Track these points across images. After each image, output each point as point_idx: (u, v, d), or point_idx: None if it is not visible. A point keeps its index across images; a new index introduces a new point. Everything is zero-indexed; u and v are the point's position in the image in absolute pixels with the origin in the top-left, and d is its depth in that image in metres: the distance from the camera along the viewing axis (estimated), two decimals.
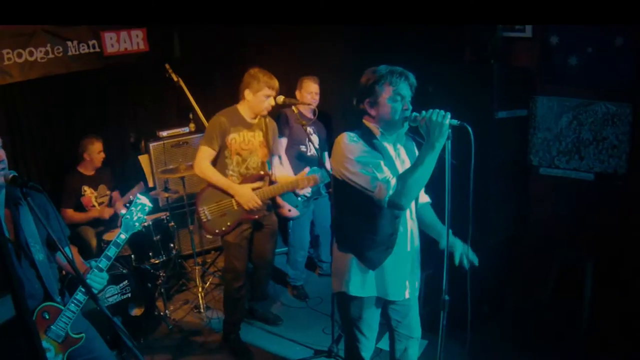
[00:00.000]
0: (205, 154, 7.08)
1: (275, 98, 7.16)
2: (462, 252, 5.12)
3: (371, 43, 7.76)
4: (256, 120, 7.26)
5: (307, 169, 7.28)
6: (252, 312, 8.50)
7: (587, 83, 7.39)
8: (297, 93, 8.66)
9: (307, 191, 7.80)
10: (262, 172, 7.34)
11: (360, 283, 5.23)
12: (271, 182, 7.44)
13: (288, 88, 7.91)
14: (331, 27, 8.83)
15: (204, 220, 7.22)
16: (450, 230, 4.96)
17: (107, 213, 8.78)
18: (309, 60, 9.68)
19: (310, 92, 8.55)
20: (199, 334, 8.29)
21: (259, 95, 7.02)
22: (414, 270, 5.43)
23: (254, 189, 7.08)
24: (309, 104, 8.08)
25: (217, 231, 7.24)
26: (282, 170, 7.77)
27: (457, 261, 5.06)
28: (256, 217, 7.28)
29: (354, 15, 7.24)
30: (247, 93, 7.06)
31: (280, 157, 8.00)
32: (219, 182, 7.07)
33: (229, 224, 7.19)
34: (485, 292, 7.92)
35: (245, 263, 7.56)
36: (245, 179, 7.20)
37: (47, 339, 4.71)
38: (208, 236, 7.29)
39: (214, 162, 7.19)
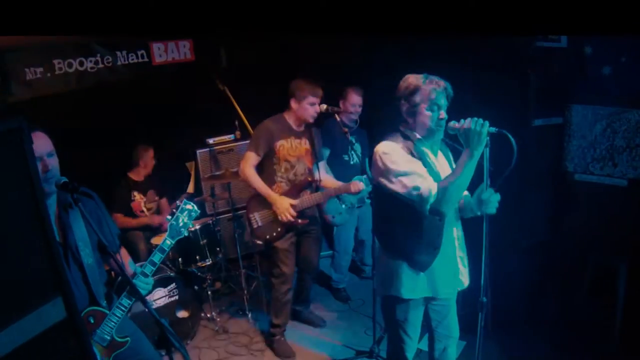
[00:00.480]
0: (250, 159, 7.17)
1: (319, 106, 7.22)
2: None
3: (411, 52, 7.78)
4: (302, 128, 7.33)
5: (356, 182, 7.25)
6: (296, 314, 8.53)
7: (621, 92, 7.36)
8: (341, 102, 8.68)
9: (352, 199, 7.93)
10: (309, 179, 7.40)
11: (412, 286, 5.29)
12: (317, 189, 7.50)
13: (331, 97, 7.96)
14: (378, 41, 8.99)
15: (255, 226, 7.32)
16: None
17: (157, 220, 8.89)
18: (352, 69, 9.66)
19: (353, 103, 8.61)
20: (243, 335, 8.36)
21: (303, 104, 7.10)
22: (461, 266, 5.50)
23: (292, 204, 7.15)
24: (350, 113, 8.14)
25: (267, 237, 7.33)
26: (328, 177, 7.78)
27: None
28: (302, 223, 7.35)
29: (396, 26, 7.29)
30: (293, 102, 7.15)
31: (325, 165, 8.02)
32: (260, 188, 7.17)
33: (279, 229, 7.29)
34: (522, 294, 8.00)
35: (293, 268, 7.66)
36: (293, 185, 7.31)
37: (92, 343, 4.75)
38: (258, 242, 7.30)
39: (263, 169, 7.29)
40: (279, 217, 7.15)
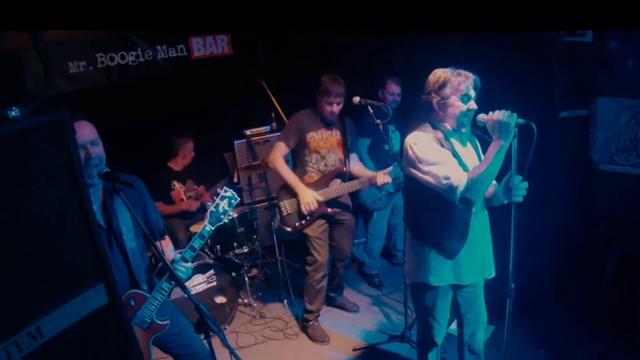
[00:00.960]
0: (280, 149, 7.26)
1: (352, 99, 7.21)
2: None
3: (442, 46, 7.81)
4: (335, 120, 7.34)
5: (390, 169, 7.27)
6: (329, 300, 8.58)
7: None
8: (380, 92, 8.74)
9: (388, 186, 7.95)
10: (339, 170, 7.42)
11: (439, 273, 5.34)
12: (350, 179, 7.50)
13: (368, 88, 7.98)
14: (410, 36, 9.01)
15: (285, 214, 7.35)
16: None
17: (194, 206, 8.96)
18: (388, 61, 9.68)
19: (392, 92, 8.66)
20: (279, 321, 8.42)
21: (321, 102, 7.16)
22: (487, 255, 5.53)
23: (317, 197, 7.20)
24: (383, 104, 7.98)
25: (297, 224, 7.36)
26: (359, 167, 7.78)
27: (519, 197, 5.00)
28: (332, 212, 7.40)
29: (429, 23, 7.32)
30: (318, 97, 7.20)
31: (359, 154, 8.02)
32: (287, 178, 7.25)
33: (308, 217, 7.31)
34: (549, 280, 8.09)
35: (327, 256, 7.67)
36: (324, 175, 7.33)
37: (132, 326, 4.79)
38: (288, 229, 7.34)
39: (296, 158, 7.37)
40: (302, 207, 7.20)
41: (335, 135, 7.39)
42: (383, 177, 7.24)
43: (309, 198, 7.17)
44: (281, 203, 7.39)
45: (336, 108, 7.22)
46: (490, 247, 5.60)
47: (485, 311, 5.93)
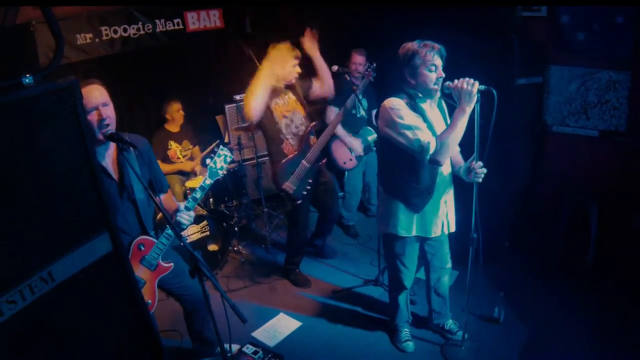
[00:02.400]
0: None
1: (331, 68, 7.28)
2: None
3: (410, 20, 7.86)
4: (282, 84, 7.24)
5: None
6: (312, 248, 8.64)
7: (593, 55, 7.47)
8: (347, 63, 8.66)
9: (360, 152, 7.99)
10: (309, 126, 7.35)
11: (407, 225, 5.51)
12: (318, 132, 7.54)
13: (340, 58, 8.01)
14: (376, 7, 9.11)
15: (291, 192, 7.27)
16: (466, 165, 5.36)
17: (189, 167, 8.94)
18: (358, 34, 9.77)
19: (354, 62, 8.62)
20: (265, 266, 8.49)
21: (287, 67, 7.07)
22: (448, 210, 5.66)
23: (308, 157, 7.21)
24: (354, 70, 8.21)
25: (304, 193, 7.33)
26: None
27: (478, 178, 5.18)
28: (322, 162, 7.48)
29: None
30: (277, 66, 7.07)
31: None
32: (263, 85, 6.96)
33: (310, 181, 7.32)
34: (507, 230, 8.25)
35: (308, 216, 7.74)
36: (299, 137, 7.27)
37: (141, 267, 4.96)
38: (298, 202, 7.35)
39: (268, 135, 7.23)
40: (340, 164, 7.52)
41: (291, 96, 7.32)
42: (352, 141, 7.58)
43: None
44: (284, 186, 7.26)
45: (299, 69, 7.21)
46: (453, 205, 5.74)
47: (450, 258, 6.14)
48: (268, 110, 7.05)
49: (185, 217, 5.03)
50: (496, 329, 6.57)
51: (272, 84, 7.01)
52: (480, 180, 5.15)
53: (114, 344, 3.60)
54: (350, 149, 8.12)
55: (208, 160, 5.26)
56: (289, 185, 7.24)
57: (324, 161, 7.52)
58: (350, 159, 8.73)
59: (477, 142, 5.03)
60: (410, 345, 6.31)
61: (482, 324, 6.61)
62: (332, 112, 8.50)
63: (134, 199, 4.85)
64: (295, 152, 7.25)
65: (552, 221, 8.10)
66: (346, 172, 9.18)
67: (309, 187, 7.34)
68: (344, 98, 7.84)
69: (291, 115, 7.24)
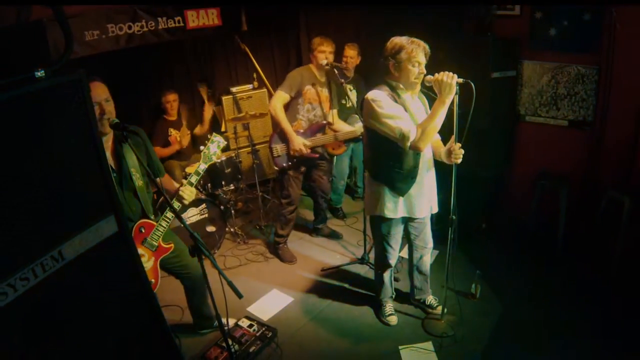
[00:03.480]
0: (280, 98, 7.21)
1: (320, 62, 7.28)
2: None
3: (397, 19, 7.91)
4: (324, 79, 7.39)
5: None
6: (317, 231, 8.80)
7: (563, 50, 7.53)
8: (341, 57, 8.71)
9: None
10: (324, 122, 7.49)
11: (393, 207, 5.55)
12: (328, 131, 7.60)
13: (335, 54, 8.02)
14: (367, 6, 9.17)
15: (275, 155, 7.38)
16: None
17: (185, 141, 9.01)
18: (349, 31, 9.80)
19: (345, 55, 8.64)
20: (260, 246, 8.54)
21: (315, 54, 7.19)
22: (432, 194, 5.70)
23: (305, 143, 7.25)
24: (346, 63, 8.24)
25: (284, 165, 7.41)
26: (340, 122, 7.87)
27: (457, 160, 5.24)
28: (312, 156, 7.45)
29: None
30: (311, 55, 7.28)
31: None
32: (283, 124, 7.20)
33: (294, 160, 7.38)
34: (483, 212, 8.37)
35: (299, 192, 7.77)
36: (311, 125, 7.41)
37: (143, 248, 5.01)
38: (275, 168, 7.46)
39: (288, 106, 7.34)
40: (291, 151, 7.25)
41: (324, 92, 7.41)
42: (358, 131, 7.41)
43: (298, 143, 7.21)
44: (273, 146, 7.41)
45: (330, 57, 7.24)
46: (435, 187, 5.75)
47: (432, 239, 6.19)
48: (299, 92, 7.24)
49: (187, 191, 5.09)
50: (473, 304, 6.61)
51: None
52: (459, 161, 5.19)
53: (119, 317, 3.62)
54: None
55: (202, 147, 5.33)
56: (277, 148, 7.40)
57: (315, 155, 7.53)
58: (339, 145, 8.72)
59: (457, 128, 5.07)
60: (393, 319, 6.36)
61: (460, 299, 6.62)
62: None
63: (132, 186, 4.91)
64: (300, 131, 7.37)
65: (526, 203, 8.17)
66: (334, 158, 9.17)
67: (290, 164, 7.44)
68: (336, 89, 7.87)
69: (316, 105, 7.38)
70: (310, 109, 7.37)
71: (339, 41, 8.30)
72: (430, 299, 6.67)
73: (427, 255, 6.32)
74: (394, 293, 6.61)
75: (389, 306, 6.46)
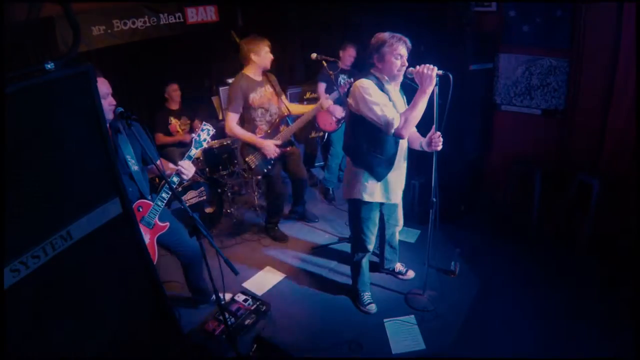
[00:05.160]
0: (233, 118, 7.09)
1: (310, 55, 7.31)
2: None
3: (381, 15, 7.97)
4: (261, 78, 7.26)
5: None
6: (295, 214, 8.77)
7: (536, 44, 7.62)
8: (341, 52, 8.79)
9: (340, 115, 8.35)
10: (282, 115, 7.41)
11: (371, 191, 5.55)
12: (289, 121, 7.56)
13: (321, 48, 7.98)
14: (354, 5, 9.27)
15: (253, 166, 7.34)
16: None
17: (188, 137, 9.03)
18: (337, 28, 9.88)
19: (350, 54, 8.75)
20: (254, 226, 8.57)
21: (261, 54, 7.07)
22: (403, 181, 5.76)
23: (276, 144, 7.22)
24: (332, 60, 7.91)
25: (265, 171, 7.37)
26: (296, 106, 7.88)
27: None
28: (286, 151, 7.46)
29: None
30: (253, 56, 7.07)
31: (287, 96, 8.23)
32: (248, 138, 7.16)
33: (272, 163, 7.35)
34: (462, 195, 8.38)
35: (281, 186, 7.78)
36: (271, 125, 7.31)
37: (140, 226, 4.98)
38: (258, 177, 7.52)
39: (244, 118, 7.27)
40: (269, 156, 7.21)
41: (267, 89, 7.31)
42: (326, 101, 7.38)
43: (271, 147, 7.17)
44: (247, 159, 7.35)
45: (271, 56, 7.20)
46: (405, 175, 5.81)
47: (402, 218, 6.34)
48: (246, 102, 7.09)
49: (185, 164, 5.19)
50: (453, 280, 6.67)
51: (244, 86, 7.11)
52: (440, 148, 5.25)
53: (123, 292, 3.69)
54: (326, 109, 8.07)
55: (193, 135, 5.46)
56: (252, 159, 7.33)
57: (289, 149, 7.53)
58: (330, 123, 8.90)
59: (437, 117, 5.13)
60: (373, 307, 6.30)
61: (441, 276, 6.72)
62: (322, 87, 8.83)
63: (129, 172, 4.97)
64: (264, 134, 7.30)
65: (502, 186, 8.29)
66: (331, 138, 9.28)
67: (270, 167, 7.38)
68: (325, 76, 8.02)
69: (267, 105, 7.26)
70: (264, 112, 7.26)
71: (327, 38, 8.31)
72: (399, 266, 6.92)
73: (396, 232, 6.57)
74: (370, 279, 6.54)
75: (367, 295, 6.40)
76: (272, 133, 7.31)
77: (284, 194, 7.95)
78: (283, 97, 7.61)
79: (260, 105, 7.18)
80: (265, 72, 7.37)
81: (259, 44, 7.06)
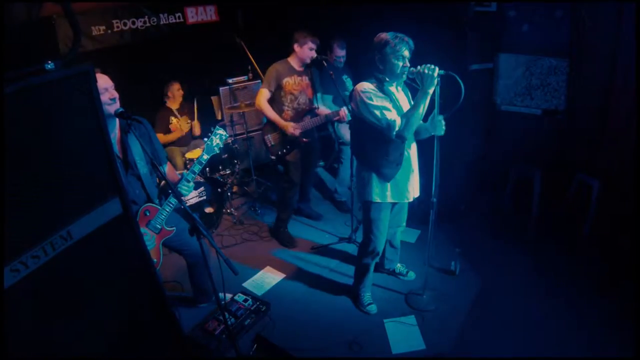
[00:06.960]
0: (263, 94, 7.21)
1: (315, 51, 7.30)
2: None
3: (383, 15, 7.98)
4: (303, 69, 7.36)
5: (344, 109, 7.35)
6: (299, 211, 8.75)
7: (536, 44, 7.63)
8: (328, 54, 8.64)
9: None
10: (310, 107, 7.48)
11: (380, 192, 5.54)
12: (316, 115, 7.55)
13: (321, 48, 7.98)
14: (356, 5, 9.31)
15: (270, 145, 7.39)
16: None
17: (186, 128, 9.09)
18: (338, 27, 9.70)
19: (337, 55, 8.64)
20: (254, 226, 8.54)
21: (305, 48, 7.17)
22: (415, 180, 5.71)
23: (294, 127, 7.22)
24: (334, 60, 8.25)
25: (279, 153, 7.40)
26: (324, 108, 7.81)
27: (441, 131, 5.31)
28: (305, 141, 7.40)
29: None
30: (296, 47, 7.19)
31: (323, 100, 8.16)
32: (271, 116, 7.21)
33: (288, 147, 7.36)
34: (462, 195, 8.36)
35: (300, 176, 7.74)
36: (297, 112, 7.36)
37: (147, 230, 5.05)
38: (272, 157, 7.49)
39: (274, 100, 7.33)
40: (287, 132, 7.24)
41: (304, 80, 7.39)
42: (343, 111, 7.29)
43: (290, 127, 7.20)
44: (266, 137, 7.41)
45: (314, 53, 7.26)
46: (418, 174, 5.74)
47: (405, 218, 6.34)
48: (280, 84, 7.22)
49: (185, 187, 5.17)
50: (453, 280, 6.67)
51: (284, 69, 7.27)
52: (443, 132, 5.26)
53: (123, 292, 3.67)
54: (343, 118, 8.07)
55: (205, 139, 5.38)
56: (270, 139, 7.40)
57: (305, 140, 7.45)
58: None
59: (437, 111, 5.13)
60: (374, 308, 6.28)
61: (441, 275, 6.73)
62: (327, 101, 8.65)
63: (137, 173, 4.92)
64: (289, 119, 7.34)
65: (502, 186, 8.24)
66: (342, 148, 9.17)
67: (285, 151, 7.42)
68: (331, 85, 7.89)
69: (298, 94, 7.34)
70: (292, 99, 7.34)
71: (327, 37, 8.32)
72: (399, 267, 6.91)
73: (399, 232, 6.52)
74: (372, 280, 6.53)
75: (368, 295, 6.38)
76: (295, 120, 7.36)
77: (297, 185, 7.88)
78: (319, 96, 7.76)
79: (290, 91, 7.28)
80: (309, 66, 7.52)
81: (305, 38, 7.18)
